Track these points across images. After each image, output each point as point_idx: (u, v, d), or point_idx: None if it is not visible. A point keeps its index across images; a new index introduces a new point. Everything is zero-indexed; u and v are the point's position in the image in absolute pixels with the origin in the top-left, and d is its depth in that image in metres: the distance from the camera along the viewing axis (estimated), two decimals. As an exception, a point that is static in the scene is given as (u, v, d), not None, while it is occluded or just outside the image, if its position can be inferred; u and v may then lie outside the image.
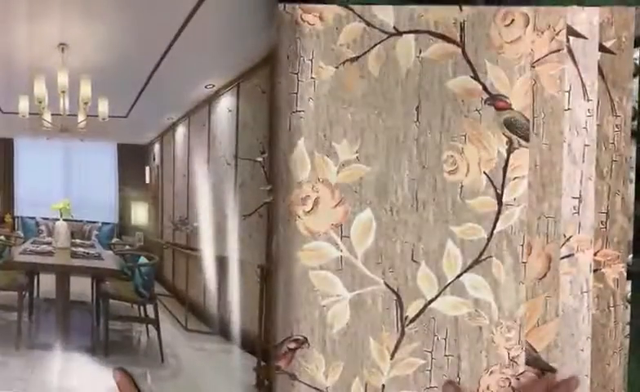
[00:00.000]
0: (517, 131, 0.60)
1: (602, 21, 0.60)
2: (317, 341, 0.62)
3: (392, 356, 0.62)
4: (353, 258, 0.61)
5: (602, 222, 0.61)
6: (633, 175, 0.61)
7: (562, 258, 0.61)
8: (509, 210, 0.61)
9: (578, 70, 0.59)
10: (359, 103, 0.61)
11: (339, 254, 0.61)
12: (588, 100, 0.60)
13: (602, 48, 0.60)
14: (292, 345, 0.62)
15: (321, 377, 0.62)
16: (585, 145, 0.60)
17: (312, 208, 0.61)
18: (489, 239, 0.61)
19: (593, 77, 0.59)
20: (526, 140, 0.60)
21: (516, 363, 0.61)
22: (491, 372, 0.61)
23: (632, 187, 0.61)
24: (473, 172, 0.60)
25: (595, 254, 0.61)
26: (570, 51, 0.59)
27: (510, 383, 0.61)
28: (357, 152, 0.61)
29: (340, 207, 0.61)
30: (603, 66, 0.60)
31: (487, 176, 0.60)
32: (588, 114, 0.60)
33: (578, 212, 0.60)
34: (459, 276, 0.61)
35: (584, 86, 0.60)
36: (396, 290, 0.61)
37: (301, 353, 0.62)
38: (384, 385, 0.62)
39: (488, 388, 0.61)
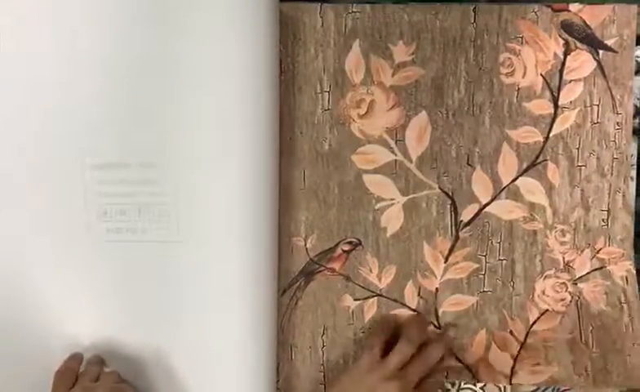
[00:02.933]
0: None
1: (603, 19, 0.59)
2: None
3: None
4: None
5: (603, 220, 0.61)
6: (634, 172, 0.61)
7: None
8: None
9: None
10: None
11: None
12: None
13: (603, 46, 0.60)
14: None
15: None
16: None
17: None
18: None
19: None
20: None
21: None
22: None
23: (633, 185, 0.61)
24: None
25: (598, 251, 0.61)
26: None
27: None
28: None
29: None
30: (605, 64, 0.60)
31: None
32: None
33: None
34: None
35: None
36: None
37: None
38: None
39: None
